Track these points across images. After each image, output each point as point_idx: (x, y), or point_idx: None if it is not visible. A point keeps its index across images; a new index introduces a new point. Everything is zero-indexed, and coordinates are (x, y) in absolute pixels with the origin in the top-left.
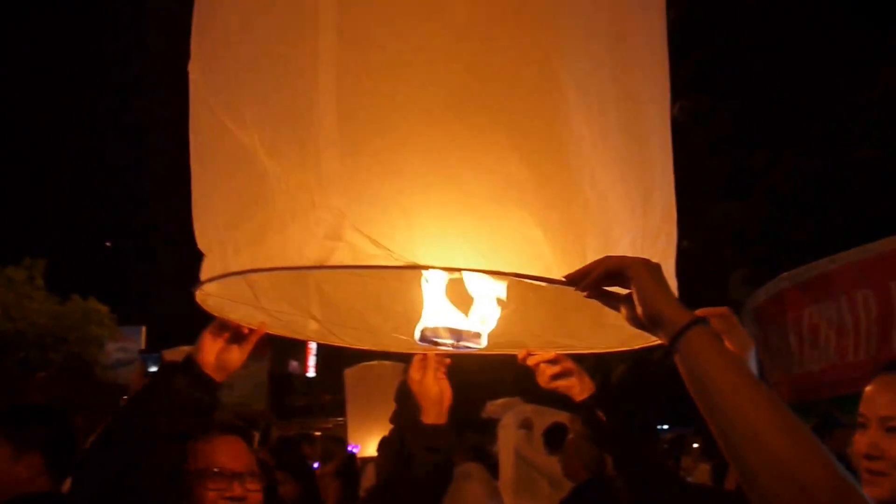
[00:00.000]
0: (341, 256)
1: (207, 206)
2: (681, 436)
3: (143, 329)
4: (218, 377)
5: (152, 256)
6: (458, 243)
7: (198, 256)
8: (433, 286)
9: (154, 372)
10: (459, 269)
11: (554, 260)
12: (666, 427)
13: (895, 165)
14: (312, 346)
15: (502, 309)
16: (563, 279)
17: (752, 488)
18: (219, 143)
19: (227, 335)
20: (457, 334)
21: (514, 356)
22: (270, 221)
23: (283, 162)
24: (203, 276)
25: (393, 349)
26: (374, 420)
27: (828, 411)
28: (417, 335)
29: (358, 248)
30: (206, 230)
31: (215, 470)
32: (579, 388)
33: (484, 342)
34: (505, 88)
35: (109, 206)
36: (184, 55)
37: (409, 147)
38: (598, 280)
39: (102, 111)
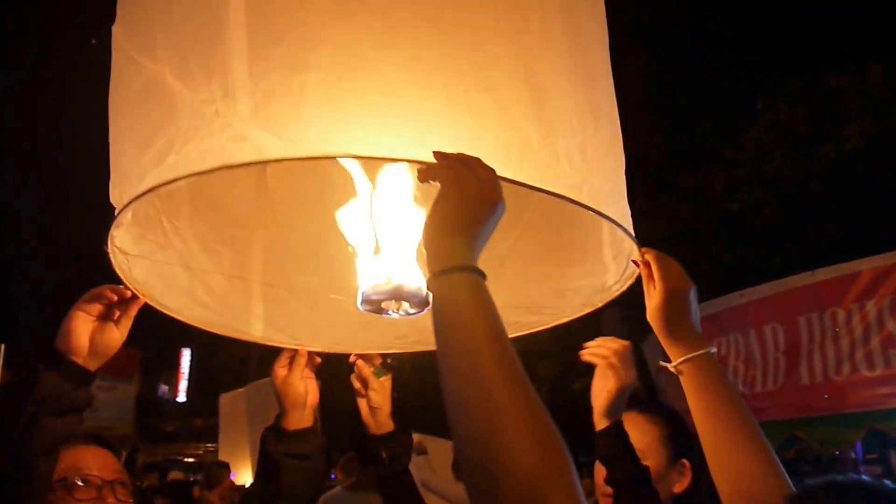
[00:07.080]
0: (245, 154)
1: (119, 152)
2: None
3: (2, 347)
4: (92, 365)
5: (16, 274)
6: (379, 133)
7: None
8: (371, 236)
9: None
10: (381, 159)
11: (486, 150)
12: None
13: (757, 218)
14: (185, 369)
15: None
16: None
17: (461, 450)
18: (133, 86)
19: (100, 309)
20: (397, 290)
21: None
22: (174, 140)
23: (189, 81)
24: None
25: (342, 350)
26: (249, 445)
27: None
28: (359, 300)
29: (263, 143)
30: (116, 177)
31: (80, 480)
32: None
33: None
34: None
35: None
36: None
37: (322, 41)
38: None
39: None
